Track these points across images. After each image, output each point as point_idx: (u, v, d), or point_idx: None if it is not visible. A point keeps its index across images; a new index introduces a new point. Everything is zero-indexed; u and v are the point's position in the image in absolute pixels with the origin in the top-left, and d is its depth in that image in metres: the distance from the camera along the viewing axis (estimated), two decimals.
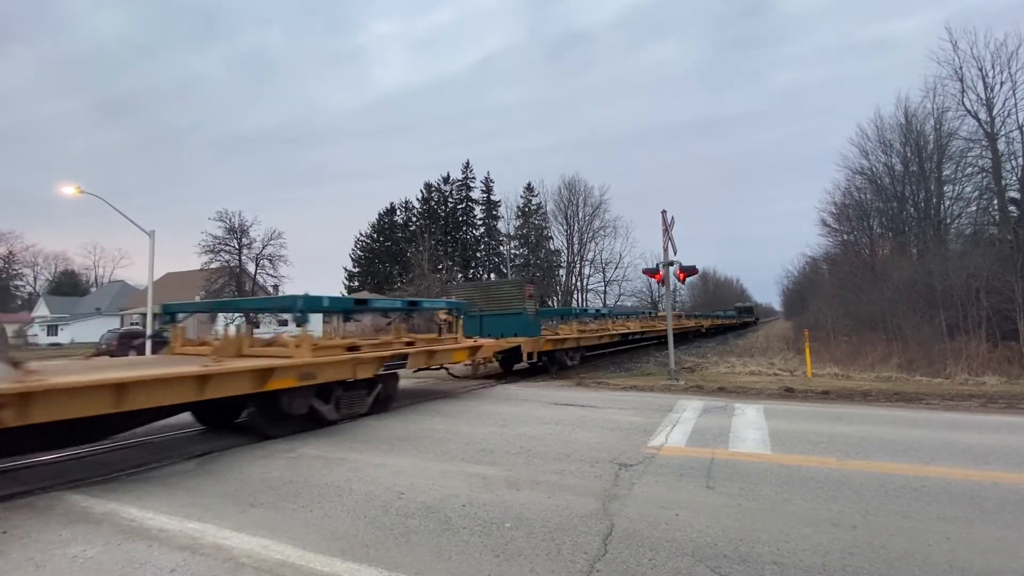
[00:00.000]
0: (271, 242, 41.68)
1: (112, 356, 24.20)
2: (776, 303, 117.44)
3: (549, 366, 13.66)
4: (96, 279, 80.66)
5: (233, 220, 40.63)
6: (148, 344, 20.26)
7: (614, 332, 18.13)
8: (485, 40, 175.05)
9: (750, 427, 6.76)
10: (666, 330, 21.15)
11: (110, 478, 4.96)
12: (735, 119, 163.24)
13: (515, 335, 12.67)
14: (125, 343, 26.37)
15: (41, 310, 63.08)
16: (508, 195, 75.97)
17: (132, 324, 41.27)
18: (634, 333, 20.50)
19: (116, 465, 5.41)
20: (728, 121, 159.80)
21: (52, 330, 53.96)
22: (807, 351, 14.59)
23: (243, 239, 40.87)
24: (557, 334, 14.30)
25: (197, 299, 40.10)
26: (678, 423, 7.07)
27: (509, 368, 14.15)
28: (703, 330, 36.29)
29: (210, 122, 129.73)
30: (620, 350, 21.87)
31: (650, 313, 27.60)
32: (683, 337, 29.89)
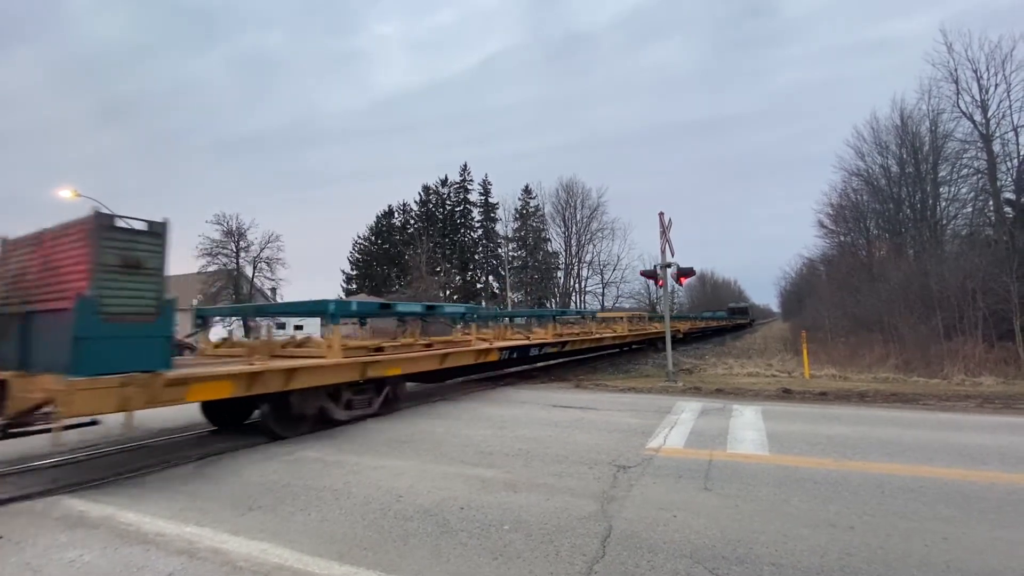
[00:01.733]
0: (268, 245, 41.62)
1: None
2: (774, 304, 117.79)
3: (276, 427, 6.57)
4: None
5: (230, 223, 40.59)
6: None
7: (480, 348, 10.63)
8: (486, 41, 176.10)
9: (748, 428, 6.77)
10: (604, 339, 17.63)
11: (107, 482, 4.94)
12: (735, 120, 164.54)
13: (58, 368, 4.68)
14: None
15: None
16: (506, 197, 75.81)
17: None
18: (544, 344, 13.59)
19: (113, 469, 5.39)
20: (728, 122, 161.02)
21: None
22: (805, 352, 14.63)
23: (240, 242, 40.80)
24: (251, 360, 6.81)
25: (194, 302, 39.94)
26: (676, 424, 7.08)
27: (237, 423, 7.43)
28: (680, 335, 29.52)
29: (209, 124, 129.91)
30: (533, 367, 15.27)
31: (583, 314, 20.61)
32: (649, 344, 23.56)
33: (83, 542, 3.52)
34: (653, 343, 23.82)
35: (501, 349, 11.46)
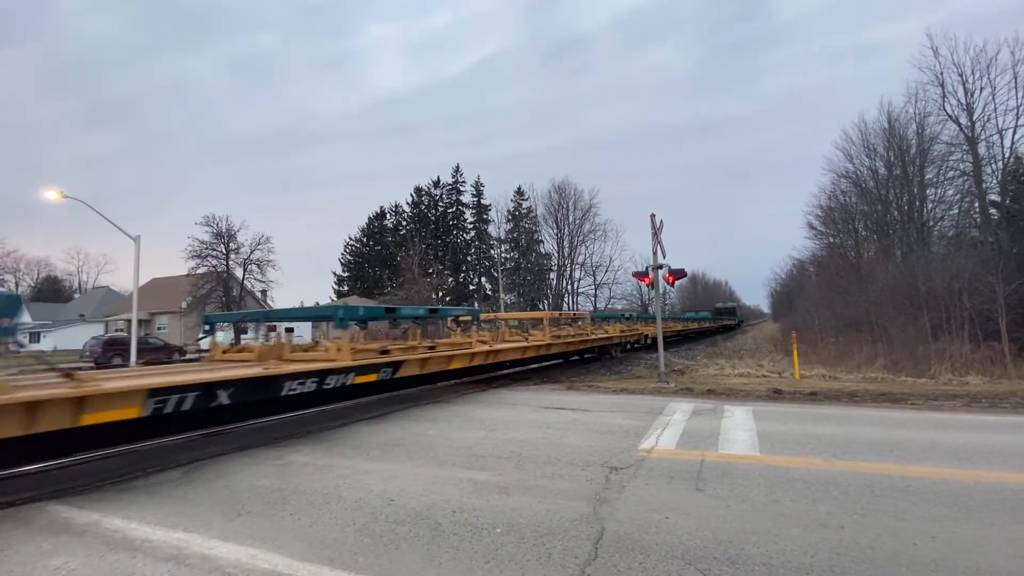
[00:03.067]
0: (259, 247, 41.26)
1: (97, 363, 23.82)
2: (764, 305, 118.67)
3: None
4: (80, 285, 79.46)
5: (220, 225, 40.22)
6: (134, 351, 19.94)
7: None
8: (482, 43, 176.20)
9: (739, 429, 6.80)
10: (502, 352, 11.59)
11: (94, 488, 4.87)
12: (729, 122, 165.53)
13: None
14: (109, 350, 25.99)
15: (23, 316, 61.93)
16: (498, 199, 76.25)
17: (117, 331, 40.64)
18: (330, 372, 7.29)
19: (100, 475, 5.32)
20: (723, 124, 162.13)
21: (34, 337, 52.98)
22: (795, 353, 14.74)
23: (230, 244, 40.44)
24: None
25: (184, 305, 39.63)
26: (668, 425, 7.10)
27: None
28: (646, 340, 22.53)
29: (203, 126, 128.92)
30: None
31: (450, 314, 13.74)
32: (601, 352, 18.67)
33: (68, 549, 3.46)
34: (606, 350, 18.80)
35: (156, 391, 5.24)
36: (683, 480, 4.65)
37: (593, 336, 17.69)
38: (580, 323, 18.35)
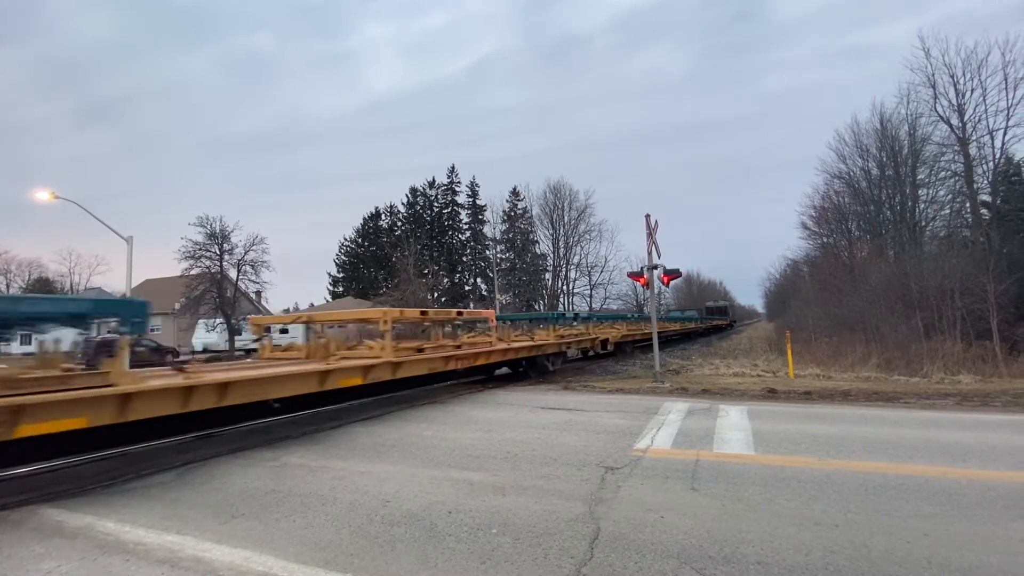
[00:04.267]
0: (253, 247, 41.01)
1: (88, 365, 23.54)
2: (759, 305, 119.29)
3: None
4: (72, 286, 78.74)
5: (214, 225, 39.97)
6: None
7: None
8: (478, 44, 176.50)
9: (734, 428, 6.83)
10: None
11: (86, 490, 4.83)
12: (727, 123, 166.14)
13: None
14: (101, 351, 25.75)
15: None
16: (494, 199, 76.39)
17: (109, 332, 40.26)
18: None
19: (93, 477, 5.28)
20: (720, 124, 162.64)
21: (26, 339, 52.55)
22: (789, 352, 14.81)
23: (224, 245, 40.19)
24: None
25: (177, 306, 39.40)
26: (663, 425, 7.12)
27: None
28: (605, 347, 18.35)
29: (197, 126, 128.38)
30: None
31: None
32: (534, 364, 13.31)
33: (60, 553, 3.43)
34: (535, 362, 13.45)
35: None
36: (678, 480, 4.66)
37: (503, 346, 12.05)
38: (479, 327, 12.81)
